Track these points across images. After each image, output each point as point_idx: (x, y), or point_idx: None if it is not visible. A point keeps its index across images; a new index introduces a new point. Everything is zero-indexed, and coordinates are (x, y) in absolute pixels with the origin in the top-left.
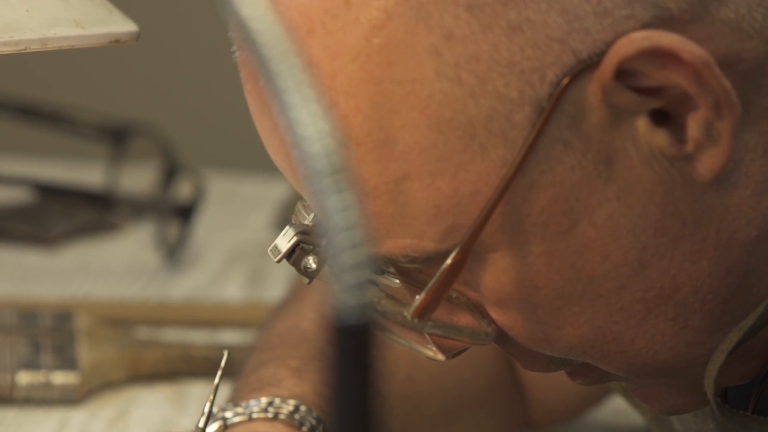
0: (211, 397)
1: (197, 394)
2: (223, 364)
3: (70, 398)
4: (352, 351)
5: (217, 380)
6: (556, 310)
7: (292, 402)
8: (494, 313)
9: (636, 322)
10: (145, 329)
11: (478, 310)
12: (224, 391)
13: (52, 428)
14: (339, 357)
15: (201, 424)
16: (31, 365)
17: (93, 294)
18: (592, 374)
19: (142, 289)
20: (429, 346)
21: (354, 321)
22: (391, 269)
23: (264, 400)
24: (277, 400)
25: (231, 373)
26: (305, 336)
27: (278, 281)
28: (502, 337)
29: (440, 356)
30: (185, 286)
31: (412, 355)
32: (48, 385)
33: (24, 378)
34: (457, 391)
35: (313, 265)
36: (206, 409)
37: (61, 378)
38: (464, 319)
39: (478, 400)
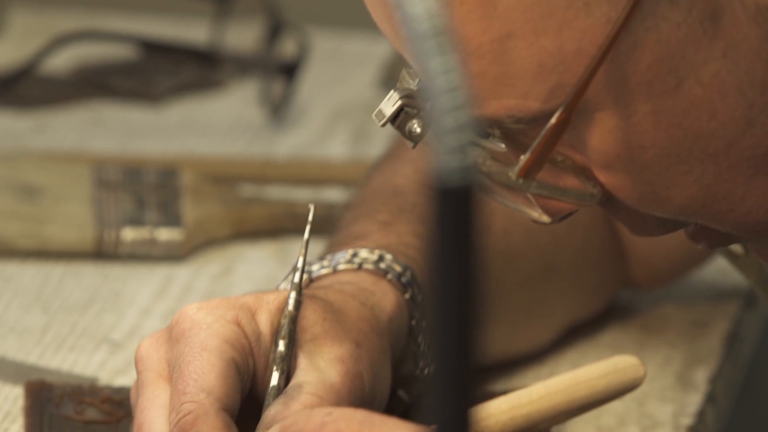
0: (303, 251)
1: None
2: (310, 218)
3: (174, 255)
4: (454, 213)
5: (306, 235)
6: (665, 171)
7: (377, 252)
8: (601, 176)
9: (745, 179)
10: (250, 186)
11: (584, 173)
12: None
13: (156, 284)
14: (441, 219)
15: (296, 279)
16: (136, 222)
17: (198, 151)
18: (713, 236)
19: (247, 146)
20: (535, 208)
21: (456, 183)
22: (496, 132)
23: (349, 251)
24: (362, 251)
25: (328, 230)
26: (397, 190)
27: (382, 139)
28: (609, 201)
29: (545, 218)
30: (289, 144)
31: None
32: (153, 242)
33: (129, 234)
34: (553, 245)
35: (418, 129)
36: (299, 264)
37: (165, 234)
38: (570, 182)
39: (575, 255)
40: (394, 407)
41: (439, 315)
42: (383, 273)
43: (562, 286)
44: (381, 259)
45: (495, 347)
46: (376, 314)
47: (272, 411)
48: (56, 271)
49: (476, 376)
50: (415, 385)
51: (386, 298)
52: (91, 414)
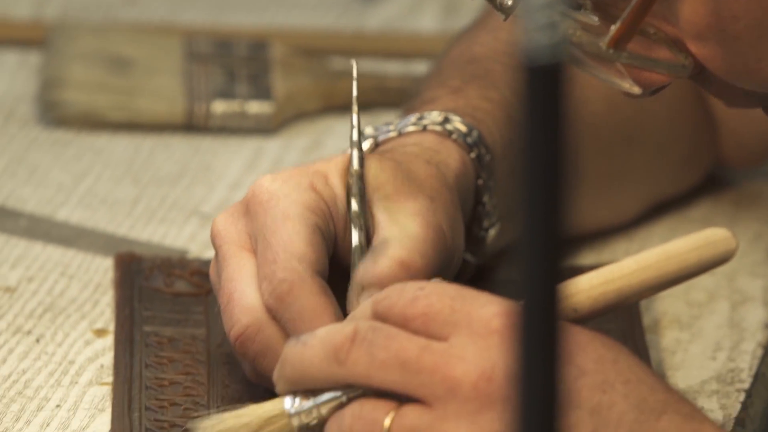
0: (355, 108)
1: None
2: (355, 74)
3: (264, 128)
4: (542, 90)
5: (354, 92)
6: (756, 41)
7: (443, 114)
8: (693, 47)
9: None
10: (340, 59)
11: (676, 45)
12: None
13: (246, 157)
14: (530, 96)
15: (354, 137)
16: (227, 94)
17: (288, 23)
18: None
19: (337, 19)
20: (626, 79)
21: (545, 61)
22: (587, 3)
23: (416, 115)
24: (431, 114)
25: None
26: (473, 58)
27: (472, 12)
28: (700, 74)
29: (636, 89)
30: (380, 17)
31: (587, 76)
32: (243, 115)
33: (219, 107)
34: (637, 117)
35: (509, 2)
36: (354, 122)
37: (255, 107)
38: (662, 53)
39: (660, 129)
40: (462, 271)
41: (529, 191)
42: (448, 134)
43: (646, 159)
44: (447, 120)
45: (578, 217)
46: (443, 172)
47: (361, 269)
48: (147, 143)
49: (565, 252)
50: (480, 247)
51: (451, 157)
52: (181, 286)
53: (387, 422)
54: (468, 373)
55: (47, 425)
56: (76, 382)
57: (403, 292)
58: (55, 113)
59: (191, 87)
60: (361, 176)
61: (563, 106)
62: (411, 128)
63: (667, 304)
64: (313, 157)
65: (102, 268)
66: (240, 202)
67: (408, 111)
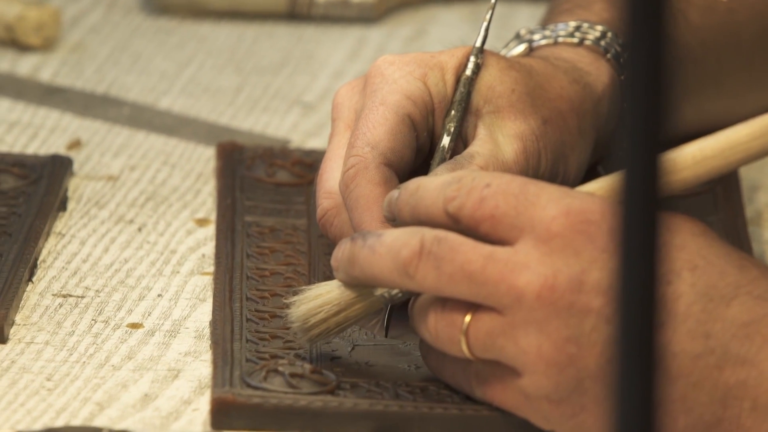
0: (487, 16)
1: (494, 15)
2: None
3: (367, 16)
4: None
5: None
6: None
7: (599, 28)
8: None
9: None
10: None
11: None
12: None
13: (349, 46)
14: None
15: (477, 43)
16: None
17: None
18: None
19: None
20: None
21: None
22: None
23: (572, 24)
24: (584, 25)
25: None
26: None
27: None
28: None
29: None
30: None
31: None
32: (346, 3)
33: None
34: None
35: None
36: (482, 29)
37: None
38: None
39: None
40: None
41: (633, 83)
42: (603, 51)
43: None
44: (603, 36)
45: (710, 119)
46: (587, 94)
47: (435, 172)
48: (249, 32)
49: (666, 146)
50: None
51: (600, 79)
52: (282, 176)
53: (465, 323)
54: (531, 282)
55: (148, 314)
56: (178, 272)
57: (471, 192)
58: (158, 1)
59: None
60: (468, 83)
61: (667, 8)
62: (566, 39)
63: None
64: (417, 47)
65: (204, 158)
66: (362, 77)
67: (559, 13)
